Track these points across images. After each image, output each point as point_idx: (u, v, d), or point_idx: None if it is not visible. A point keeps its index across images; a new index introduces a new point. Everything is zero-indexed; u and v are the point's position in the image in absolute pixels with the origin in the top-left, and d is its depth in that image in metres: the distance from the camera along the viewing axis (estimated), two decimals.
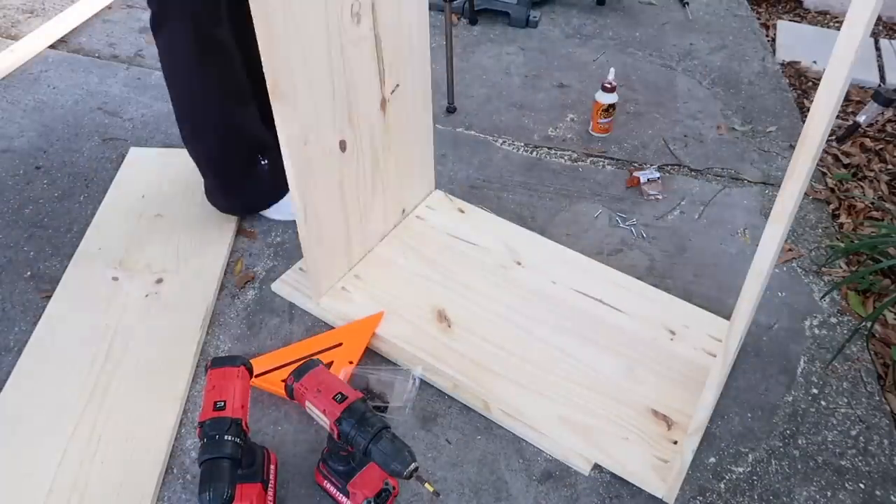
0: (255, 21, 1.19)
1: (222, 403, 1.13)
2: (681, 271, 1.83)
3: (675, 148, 2.30)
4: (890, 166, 2.25)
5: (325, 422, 1.17)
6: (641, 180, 2.10)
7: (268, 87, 1.27)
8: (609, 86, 2.27)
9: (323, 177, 1.47)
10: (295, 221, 1.54)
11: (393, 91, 1.59)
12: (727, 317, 1.65)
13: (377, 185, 1.67)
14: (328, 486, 1.26)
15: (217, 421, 1.11)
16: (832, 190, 2.16)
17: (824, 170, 2.23)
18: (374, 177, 1.65)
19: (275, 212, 1.88)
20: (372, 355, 1.54)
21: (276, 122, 1.31)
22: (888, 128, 2.44)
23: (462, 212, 1.90)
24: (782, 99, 2.59)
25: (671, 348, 1.57)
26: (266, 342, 1.57)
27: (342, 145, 1.49)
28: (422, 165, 1.89)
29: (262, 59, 1.24)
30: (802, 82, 2.72)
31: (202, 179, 1.83)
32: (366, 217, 1.68)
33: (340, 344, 1.51)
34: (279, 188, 1.83)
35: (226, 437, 1.09)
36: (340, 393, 1.16)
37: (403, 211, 1.84)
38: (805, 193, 2.13)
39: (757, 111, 2.52)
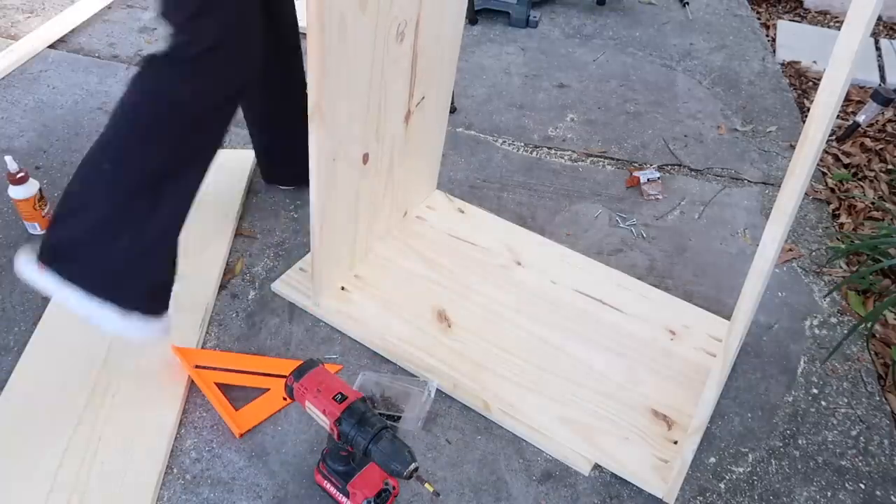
0: (309, 54, 1.19)
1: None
2: (681, 271, 1.83)
3: (675, 148, 2.30)
4: (890, 166, 2.25)
5: (325, 422, 1.17)
6: (641, 180, 2.10)
7: (308, 107, 1.26)
8: (18, 176, 1.71)
9: (342, 189, 1.47)
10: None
11: (418, 103, 1.59)
12: (727, 317, 1.65)
13: (388, 191, 1.68)
14: (328, 486, 1.26)
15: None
16: (832, 190, 2.16)
17: (824, 170, 2.24)
18: (386, 184, 1.65)
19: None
20: (388, 363, 1.53)
21: (309, 140, 1.31)
22: (888, 128, 2.44)
23: (462, 212, 1.90)
24: (782, 99, 2.59)
25: (671, 348, 1.57)
26: (266, 342, 1.57)
27: (365, 158, 1.49)
28: (430, 170, 1.89)
29: (310, 84, 1.23)
30: (802, 82, 2.72)
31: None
32: (373, 221, 1.68)
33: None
34: None
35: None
36: (340, 393, 1.17)
37: (405, 213, 1.84)
38: (805, 193, 2.13)
39: (757, 111, 2.52)
